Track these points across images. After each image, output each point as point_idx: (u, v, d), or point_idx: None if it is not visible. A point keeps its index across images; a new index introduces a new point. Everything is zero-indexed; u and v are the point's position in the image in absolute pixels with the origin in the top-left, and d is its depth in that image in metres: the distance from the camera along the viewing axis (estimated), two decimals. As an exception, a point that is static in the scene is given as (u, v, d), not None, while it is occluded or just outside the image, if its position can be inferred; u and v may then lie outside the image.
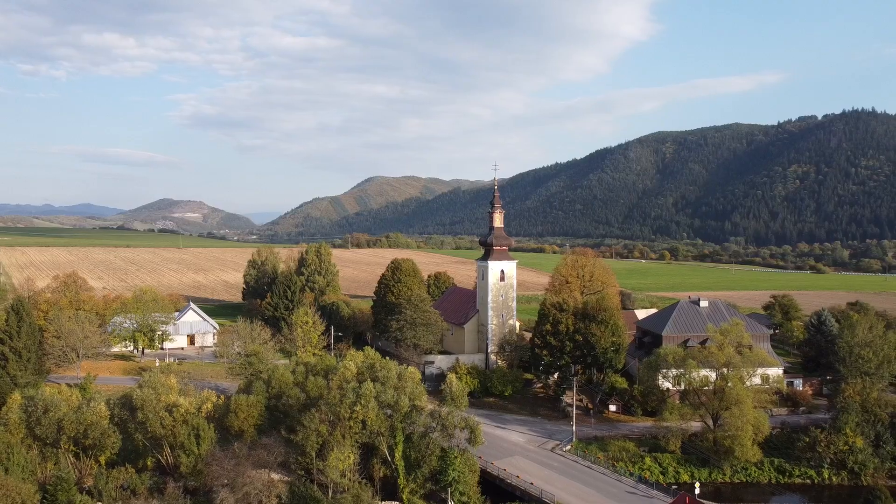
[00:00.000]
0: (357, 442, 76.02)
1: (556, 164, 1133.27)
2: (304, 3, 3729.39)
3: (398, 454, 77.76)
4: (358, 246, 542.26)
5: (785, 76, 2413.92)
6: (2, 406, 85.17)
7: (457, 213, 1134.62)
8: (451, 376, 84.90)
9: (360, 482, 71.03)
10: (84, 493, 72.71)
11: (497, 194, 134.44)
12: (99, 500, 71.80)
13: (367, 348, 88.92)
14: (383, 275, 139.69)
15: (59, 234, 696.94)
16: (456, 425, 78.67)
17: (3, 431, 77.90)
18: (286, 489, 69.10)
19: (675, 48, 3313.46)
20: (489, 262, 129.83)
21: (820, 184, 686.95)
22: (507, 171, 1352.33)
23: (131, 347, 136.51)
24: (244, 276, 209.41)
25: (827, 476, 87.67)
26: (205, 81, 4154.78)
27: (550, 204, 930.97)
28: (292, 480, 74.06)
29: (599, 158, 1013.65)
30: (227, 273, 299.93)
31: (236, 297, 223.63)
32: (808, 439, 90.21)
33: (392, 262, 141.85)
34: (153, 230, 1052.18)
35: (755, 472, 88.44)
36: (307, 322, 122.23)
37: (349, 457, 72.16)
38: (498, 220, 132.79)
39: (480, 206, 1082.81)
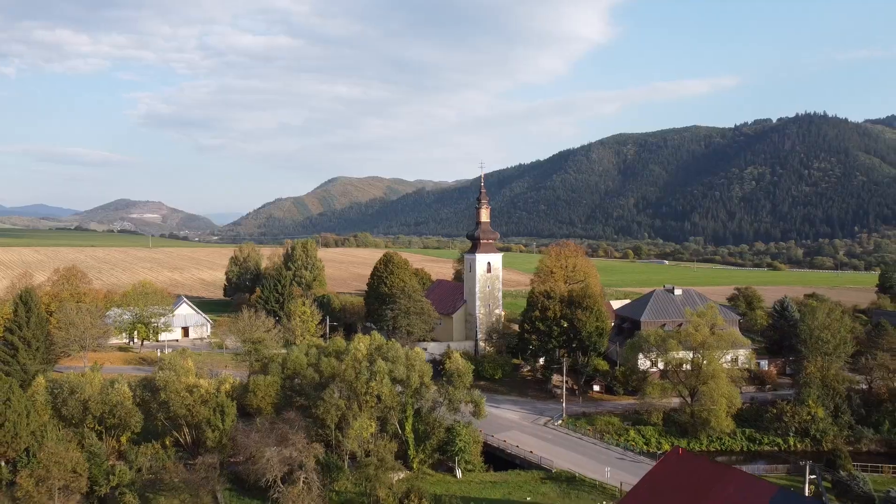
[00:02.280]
0: (372, 415, 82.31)
1: (520, 165, 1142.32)
2: (264, 2, 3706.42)
3: (408, 427, 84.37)
4: (326, 245, 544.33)
5: (740, 80, 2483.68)
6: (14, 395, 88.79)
7: (421, 213, 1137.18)
8: (456, 355, 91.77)
9: (385, 446, 77.40)
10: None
11: (483, 190, 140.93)
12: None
13: (374, 332, 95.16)
14: (376, 267, 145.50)
15: (13, 234, 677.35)
16: (462, 400, 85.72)
17: (33, 413, 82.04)
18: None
19: (634, 51, 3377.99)
20: (477, 255, 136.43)
21: (775, 185, 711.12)
22: (471, 172, 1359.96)
23: (127, 339, 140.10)
24: (227, 272, 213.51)
25: (792, 443, 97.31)
26: (161, 80, 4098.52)
27: (515, 205, 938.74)
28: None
29: (562, 160, 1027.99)
30: (202, 271, 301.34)
31: (215, 294, 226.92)
32: (775, 411, 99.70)
33: (384, 256, 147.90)
34: (112, 231, 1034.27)
35: (729, 440, 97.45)
36: (305, 312, 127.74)
37: (371, 425, 78.60)
38: (485, 216, 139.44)
39: (445, 207, 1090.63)
